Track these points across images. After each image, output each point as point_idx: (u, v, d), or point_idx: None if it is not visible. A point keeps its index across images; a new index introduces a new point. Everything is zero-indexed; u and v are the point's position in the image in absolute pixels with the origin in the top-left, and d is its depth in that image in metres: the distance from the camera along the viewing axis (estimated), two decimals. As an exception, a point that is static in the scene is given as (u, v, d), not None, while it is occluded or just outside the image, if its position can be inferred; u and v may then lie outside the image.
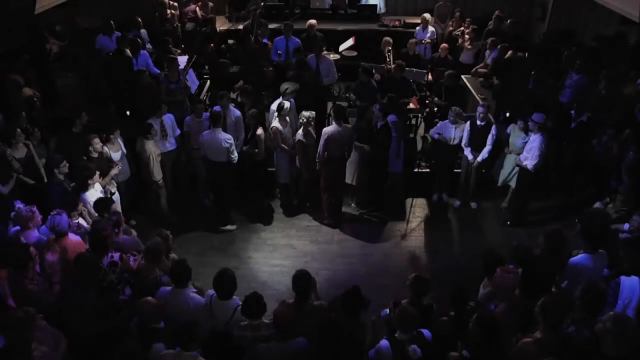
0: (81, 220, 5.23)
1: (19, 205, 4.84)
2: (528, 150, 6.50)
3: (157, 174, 6.69)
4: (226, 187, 6.89)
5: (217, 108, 6.98)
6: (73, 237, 4.70)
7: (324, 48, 9.10)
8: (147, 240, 4.67)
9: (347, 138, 6.65)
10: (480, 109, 6.89)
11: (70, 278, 4.21)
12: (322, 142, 6.57)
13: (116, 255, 4.41)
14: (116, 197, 6.08)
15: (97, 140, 6.08)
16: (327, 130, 6.58)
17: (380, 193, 7.42)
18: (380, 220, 7.30)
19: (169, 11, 10.58)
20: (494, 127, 6.86)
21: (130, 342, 3.45)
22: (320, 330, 3.55)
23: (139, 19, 9.70)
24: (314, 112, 6.90)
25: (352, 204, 7.53)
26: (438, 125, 7.21)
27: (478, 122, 6.89)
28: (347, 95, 8.29)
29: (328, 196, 7.05)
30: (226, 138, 6.45)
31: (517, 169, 6.88)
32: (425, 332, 3.74)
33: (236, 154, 6.61)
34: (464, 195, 7.53)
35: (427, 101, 8.34)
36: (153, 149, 6.57)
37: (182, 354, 3.51)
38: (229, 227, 7.13)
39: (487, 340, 3.42)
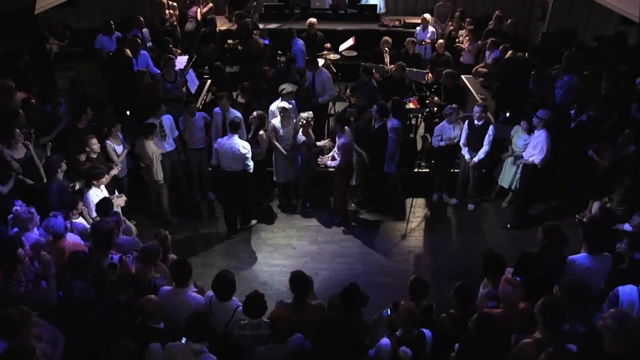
0: (81, 220, 5.23)
1: (17, 207, 4.82)
2: (533, 146, 6.50)
3: (159, 174, 6.69)
4: (243, 193, 6.73)
5: (217, 109, 7.01)
6: (71, 238, 4.69)
7: (323, 56, 9.20)
8: (147, 241, 4.68)
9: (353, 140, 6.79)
10: (476, 109, 6.89)
11: (69, 279, 4.19)
12: (342, 154, 6.60)
13: (116, 257, 4.40)
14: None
15: (94, 140, 6.08)
16: (343, 142, 6.60)
17: (379, 193, 7.42)
18: (380, 220, 7.30)
19: (167, 11, 10.59)
20: (491, 127, 6.86)
21: (129, 344, 3.44)
22: (320, 328, 3.55)
23: (141, 18, 9.71)
24: (311, 113, 6.93)
25: (352, 204, 7.53)
26: (437, 131, 7.14)
27: (476, 122, 6.90)
28: (347, 95, 8.32)
29: (344, 197, 7.14)
30: (243, 145, 6.29)
31: (514, 170, 6.89)
32: (426, 332, 3.74)
33: (252, 163, 6.40)
34: (462, 194, 7.54)
35: (427, 101, 8.33)
36: (154, 148, 6.57)
37: (190, 345, 3.52)
38: (252, 222, 7.16)
39: (485, 338, 3.43)
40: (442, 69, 8.80)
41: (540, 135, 6.42)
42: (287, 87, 7.22)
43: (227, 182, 6.58)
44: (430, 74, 9.11)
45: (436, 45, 9.55)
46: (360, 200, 7.51)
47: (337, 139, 6.75)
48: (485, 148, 6.88)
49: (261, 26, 10.57)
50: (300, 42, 9.22)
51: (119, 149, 6.45)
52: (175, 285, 4.15)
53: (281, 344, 3.66)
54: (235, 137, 6.31)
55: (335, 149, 6.77)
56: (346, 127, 6.72)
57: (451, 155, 7.30)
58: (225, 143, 6.31)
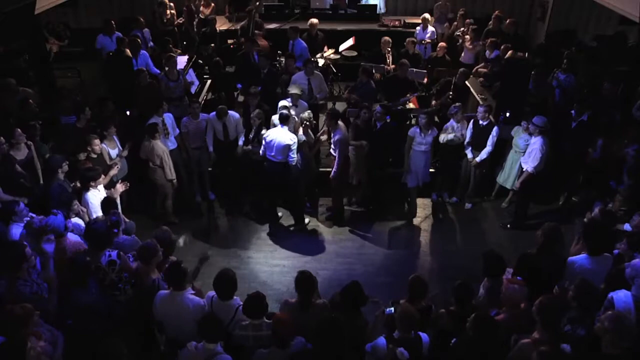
0: (79, 220, 5.23)
1: (31, 214, 4.79)
2: (529, 152, 6.51)
3: (172, 172, 6.67)
4: (285, 184, 6.79)
5: (213, 114, 7.11)
6: (72, 238, 4.68)
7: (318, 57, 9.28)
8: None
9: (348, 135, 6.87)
10: (480, 109, 6.92)
11: (69, 278, 4.19)
12: (341, 147, 6.63)
13: (114, 254, 4.37)
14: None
15: (97, 141, 6.09)
16: (339, 137, 6.62)
17: (379, 192, 7.41)
18: (380, 220, 7.29)
19: (168, 12, 10.60)
20: (495, 128, 6.88)
21: (118, 343, 3.43)
22: (320, 327, 3.55)
23: (142, 19, 9.72)
24: (311, 112, 6.98)
25: (352, 203, 7.53)
26: (447, 128, 7.11)
27: (480, 122, 6.92)
28: (346, 96, 8.32)
29: (340, 195, 7.20)
30: (291, 137, 6.42)
31: (516, 170, 6.88)
32: (423, 335, 3.74)
33: (295, 155, 6.51)
34: (462, 194, 7.54)
35: (432, 103, 8.26)
36: (163, 147, 6.55)
37: (206, 347, 3.53)
38: (306, 222, 7.18)
39: (485, 338, 3.43)
40: (441, 69, 8.80)
41: (536, 143, 6.41)
42: (291, 89, 7.22)
43: (269, 172, 6.65)
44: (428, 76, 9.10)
45: (437, 48, 9.52)
46: (360, 200, 7.50)
47: (332, 135, 6.77)
48: (487, 149, 6.90)
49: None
50: (304, 42, 9.22)
51: (114, 153, 6.42)
52: (172, 288, 4.13)
53: (283, 349, 3.65)
54: (285, 129, 6.41)
55: (332, 144, 6.81)
56: (339, 122, 6.75)
57: (456, 154, 7.28)
58: (275, 133, 6.43)
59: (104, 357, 3.34)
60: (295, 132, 6.93)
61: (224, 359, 3.55)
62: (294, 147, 6.43)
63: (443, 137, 7.09)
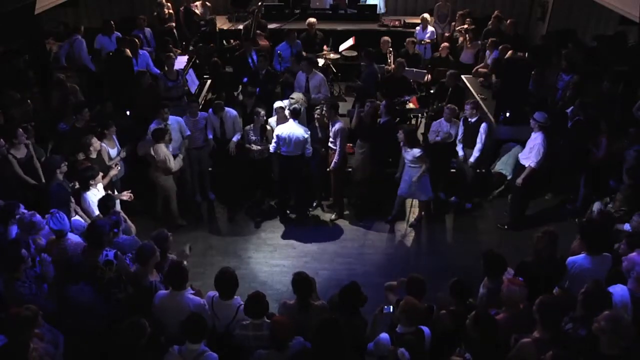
0: (79, 219, 5.23)
1: (22, 210, 4.81)
2: (530, 148, 6.48)
3: (177, 164, 6.54)
4: (299, 178, 6.91)
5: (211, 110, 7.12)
6: (74, 238, 4.68)
7: (323, 56, 9.30)
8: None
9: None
10: (467, 107, 6.94)
11: (68, 278, 4.20)
12: (341, 139, 6.68)
13: (111, 254, 4.35)
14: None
15: (95, 139, 6.08)
16: (339, 127, 6.68)
17: (380, 192, 7.41)
18: (380, 220, 7.28)
19: (167, 11, 10.60)
20: (483, 125, 6.85)
21: (142, 322, 3.48)
22: (319, 329, 3.55)
23: (142, 18, 9.72)
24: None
25: (353, 202, 7.52)
26: (434, 126, 7.15)
27: (469, 119, 6.93)
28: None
29: (340, 192, 7.24)
30: (305, 130, 6.54)
31: (513, 160, 6.87)
32: (425, 329, 3.74)
33: (311, 148, 6.62)
34: (461, 193, 7.54)
35: (433, 106, 8.26)
36: (166, 151, 6.46)
37: (189, 348, 3.52)
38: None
39: (485, 338, 3.42)
40: (442, 69, 8.79)
41: (537, 138, 6.40)
42: (293, 96, 7.22)
43: (284, 167, 6.77)
44: (429, 75, 9.10)
45: (440, 49, 9.51)
46: (361, 200, 7.49)
47: (331, 127, 6.79)
48: (478, 146, 6.88)
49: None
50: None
51: (113, 152, 6.41)
52: (171, 288, 4.12)
53: (281, 351, 3.65)
54: (296, 123, 6.49)
55: (332, 136, 6.83)
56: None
57: (447, 153, 7.27)
58: (287, 129, 6.48)
59: (126, 333, 3.43)
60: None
61: (211, 357, 3.54)
62: (309, 139, 6.53)
63: (432, 137, 7.12)
